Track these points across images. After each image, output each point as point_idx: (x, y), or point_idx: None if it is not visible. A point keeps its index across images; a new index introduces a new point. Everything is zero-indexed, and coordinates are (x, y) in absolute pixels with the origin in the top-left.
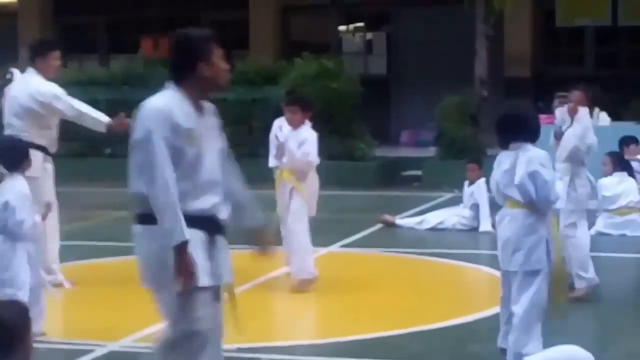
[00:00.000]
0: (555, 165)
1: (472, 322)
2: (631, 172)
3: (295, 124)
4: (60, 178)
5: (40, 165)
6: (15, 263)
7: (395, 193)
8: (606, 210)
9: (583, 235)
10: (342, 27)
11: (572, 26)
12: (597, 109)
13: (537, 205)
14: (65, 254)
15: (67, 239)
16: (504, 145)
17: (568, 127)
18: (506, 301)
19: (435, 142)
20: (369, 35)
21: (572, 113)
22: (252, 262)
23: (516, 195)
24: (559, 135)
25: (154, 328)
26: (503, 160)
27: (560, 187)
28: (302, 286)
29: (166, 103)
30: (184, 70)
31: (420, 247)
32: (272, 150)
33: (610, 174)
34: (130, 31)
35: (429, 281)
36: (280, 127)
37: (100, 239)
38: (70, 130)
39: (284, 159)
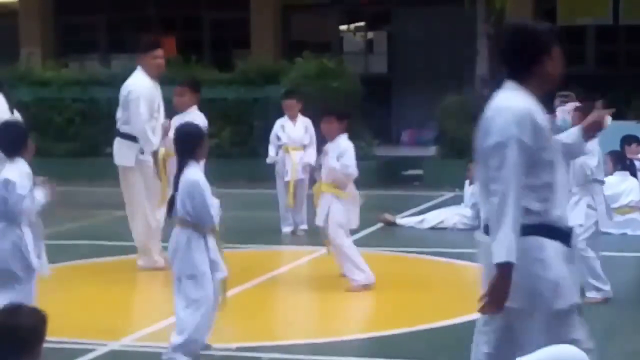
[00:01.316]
0: (572, 188)
1: (473, 322)
2: (633, 171)
3: (332, 135)
4: (61, 177)
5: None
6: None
7: (396, 192)
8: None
9: (591, 251)
10: (343, 27)
11: (573, 25)
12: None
13: None
14: (66, 254)
15: (68, 239)
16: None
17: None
18: None
19: (436, 141)
20: (370, 35)
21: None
22: (252, 262)
23: None
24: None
25: (155, 327)
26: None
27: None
28: (362, 289)
29: (524, 104)
30: (529, 66)
31: (421, 246)
32: (272, 150)
33: (612, 173)
34: (130, 31)
35: (429, 280)
36: (283, 127)
37: (101, 238)
38: (69, 130)
39: (323, 172)
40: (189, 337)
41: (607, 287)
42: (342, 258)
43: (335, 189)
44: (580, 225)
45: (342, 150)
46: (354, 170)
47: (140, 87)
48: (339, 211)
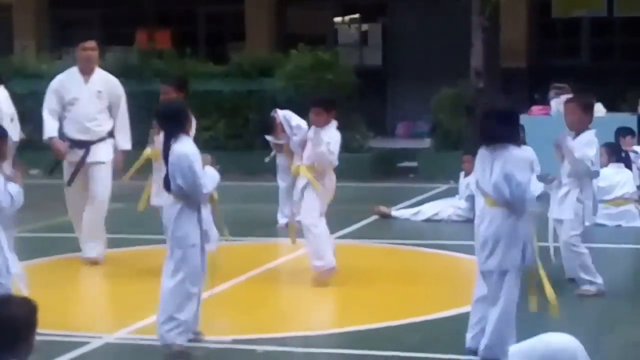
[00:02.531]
0: (563, 179)
1: (468, 314)
2: (628, 164)
3: (321, 124)
4: (56, 171)
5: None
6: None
7: (391, 184)
8: (602, 201)
9: (583, 247)
10: (337, 19)
11: (568, 17)
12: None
13: (513, 206)
14: (60, 246)
15: (63, 231)
16: (485, 142)
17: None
18: (482, 301)
19: (431, 133)
20: (365, 27)
21: (571, 127)
22: (248, 254)
23: (492, 194)
24: (559, 150)
25: (149, 320)
26: (482, 157)
27: (539, 186)
28: (323, 277)
29: None
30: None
31: (416, 238)
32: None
33: (606, 165)
34: (125, 24)
35: (424, 272)
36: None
37: None
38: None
39: (305, 154)
40: (172, 315)
41: (599, 281)
42: (308, 240)
43: (312, 177)
44: (570, 220)
45: (329, 137)
46: (335, 159)
47: (55, 80)
48: (314, 195)
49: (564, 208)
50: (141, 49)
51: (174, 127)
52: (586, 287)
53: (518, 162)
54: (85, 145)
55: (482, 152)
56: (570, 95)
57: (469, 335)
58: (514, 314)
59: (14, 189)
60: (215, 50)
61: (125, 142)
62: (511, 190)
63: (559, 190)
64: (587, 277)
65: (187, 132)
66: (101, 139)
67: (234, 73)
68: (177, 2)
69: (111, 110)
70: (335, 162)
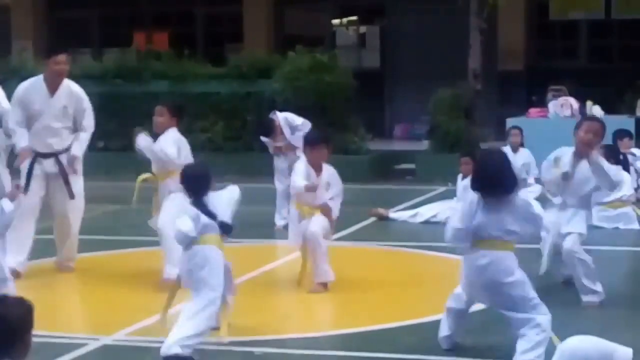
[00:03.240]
0: (567, 200)
1: (466, 315)
2: (626, 166)
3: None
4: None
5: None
6: None
7: (389, 186)
8: (599, 204)
9: (587, 255)
10: (335, 21)
11: (566, 19)
12: (589, 102)
13: (528, 237)
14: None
15: None
16: (488, 193)
17: (573, 168)
18: (460, 312)
19: (429, 135)
20: (363, 29)
21: (584, 151)
22: (245, 256)
23: (505, 236)
24: (567, 177)
25: (147, 322)
26: (488, 204)
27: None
28: (319, 289)
29: None
30: None
31: (414, 240)
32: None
33: None
34: (123, 25)
35: (422, 274)
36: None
37: (93, 232)
38: None
39: (318, 197)
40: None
41: (599, 288)
42: (316, 255)
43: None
44: (580, 235)
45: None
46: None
47: (19, 89)
48: (320, 222)
49: (575, 222)
50: (139, 51)
51: (203, 189)
52: (589, 299)
53: (530, 201)
54: (50, 155)
55: (484, 200)
56: (568, 97)
57: (441, 335)
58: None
59: (8, 207)
60: (213, 52)
61: (78, 149)
62: (535, 227)
63: (563, 212)
64: (590, 286)
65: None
66: (66, 149)
67: (232, 74)
68: (175, 3)
69: (74, 124)
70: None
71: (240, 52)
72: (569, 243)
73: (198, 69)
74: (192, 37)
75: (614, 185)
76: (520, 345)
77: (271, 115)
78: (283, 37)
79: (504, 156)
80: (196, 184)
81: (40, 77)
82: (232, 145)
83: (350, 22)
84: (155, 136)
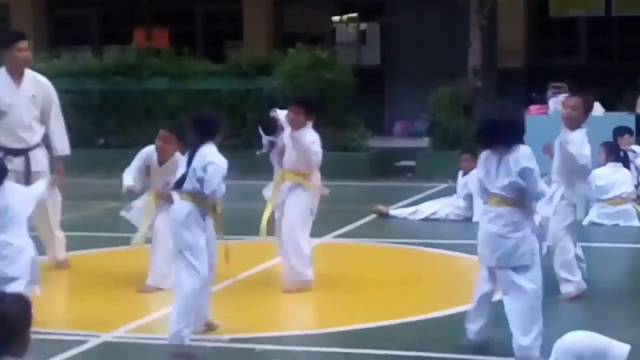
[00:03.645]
0: (552, 176)
1: (466, 313)
2: (626, 163)
3: (296, 125)
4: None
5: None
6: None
7: (389, 183)
8: (599, 200)
9: (569, 239)
10: (335, 18)
11: (566, 17)
12: None
13: (527, 200)
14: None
15: (62, 230)
16: (490, 146)
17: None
18: (485, 297)
19: (429, 132)
20: (363, 26)
21: (568, 121)
22: (246, 253)
23: (503, 192)
24: (549, 149)
25: (148, 319)
26: (488, 159)
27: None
28: (295, 287)
29: None
30: None
31: (414, 237)
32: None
33: (605, 164)
34: (123, 22)
35: (422, 271)
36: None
37: (93, 229)
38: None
39: (286, 159)
40: (183, 318)
41: (577, 278)
42: (288, 249)
43: (300, 178)
44: (556, 216)
45: (311, 138)
46: (320, 157)
47: None
48: (304, 200)
49: (550, 205)
50: (139, 48)
51: (206, 133)
52: (566, 291)
53: (529, 157)
54: (22, 152)
55: (486, 155)
56: (569, 94)
57: (472, 327)
58: (538, 307)
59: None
60: (213, 49)
61: (64, 147)
62: (528, 184)
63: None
64: (565, 276)
65: (216, 142)
66: (37, 145)
67: (232, 72)
68: (175, 0)
69: (42, 115)
70: (320, 161)
71: (240, 50)
72: (552, 228)
73: (198, 66)
74: (191, 35)
75: (573, 164)
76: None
77: (272, 113)
78: (283, 35)
79: (505, 109)
80: (204, 126)
81: (2, 69)
82: (231, 142)
83: (350, 19)
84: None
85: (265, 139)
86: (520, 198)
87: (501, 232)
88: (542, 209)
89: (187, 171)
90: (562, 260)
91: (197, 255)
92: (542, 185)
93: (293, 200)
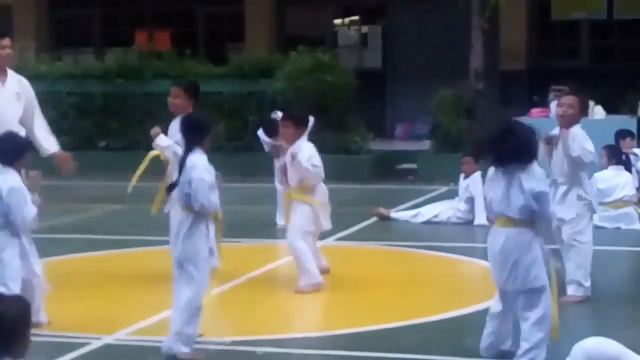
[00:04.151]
0: (558, 178)
1: (468, 315)
2: (628, 166)
3: (289, 140)
4: (55, 171)
5: None
6: (5, 256)
7: (390, 186)
8: (601, 204)
9: (589, 242)
10: (337, 20)
11: (568, 19)
12: (592, 102)
13: (538, 223)
14: (60, 247)
15: (62, 232)
16: (503, 164)
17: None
18: (496, 317)
19: (431, 135)
20: (364, 29)
21: (562, 120)
22: (247, 256)
23: (513, 213)
24: (550, 141)
25: (149, 321)
26: (496, 179)
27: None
28: (307, 290)
29: None
30: None
31: (415, 240)
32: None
33: (606, 167)
34: (124, 25)
35: (424, 274)
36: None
37: (95, 232)
38: (63, 124)
39: (291, 178)
40: (182, 330)
41: (588, 284)
42: (295, 260)
43: (305, 196)
44: (572, 219)
45: (307, 153)
46: (321, 171)
47: None
48: (303, 214)
49: (565, 207)
50: (141, 50)
51: (194, 138)
52: (574, 292)
53: (544, 180)
54: None
55: (494, 174)
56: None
57: (482, 345)
58: (547, 325)
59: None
60: (214, 51)
61: (54, 144)
62: (541, 208)
63: (555, 190)
64: (579, 279)
65: (204, 146)
66: None
67: (233, 74)
68: (176, 2)
69: (26, 113)
70: (321, 174)
71: (241, 52)
72: (566, 234)
73: (199, 68)
74: (193, 37)
75: (579, 164)
76: (522, 346)
77: (273, 115)
78: (284, 37)
79: (519, 127)
80: (190, 131)
81: None
82: (233, 144)
83: (351, 22)
84: (167, 120)
85: (266, 141)
86: (530, 218)
87: (513, 254)
88: (560, 212)
89: (178, 179)
90: (580, 263)
91: (199, 266)
92: (552, 207)
93: (297, 211)
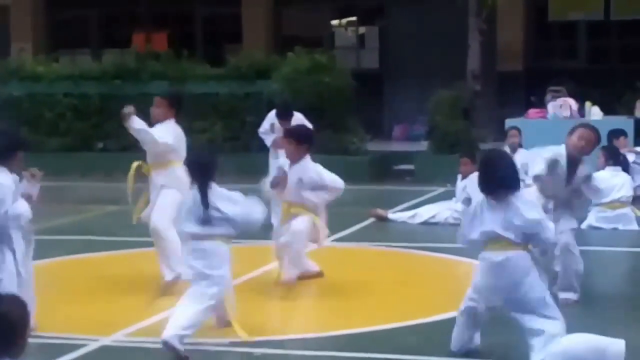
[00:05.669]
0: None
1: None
2: (626, 167)
3: (293, 158)
4: (53, 172)
5: None
6: None
7: (388, 187)
8: (598, 204)
9: (577, 251)
10: (334, 22)
11: (565, 20)
12: (589, 103)
13: (533, 242)
14: (58, 249)
15: (59, 234)
16: (492, 193)
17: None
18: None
19: (428, 136)
20: (362, 30)
21: (579, 152)
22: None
23: (510, 237)
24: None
25: (146, 322)
26: (491, 205)
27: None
28: (289, 284)
29: None
30: None
31: (413, 241)
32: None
33: (603, 168)
34: (122, 26)
35: (421, 275)
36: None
37: (93, 233)
38: (61, 125)
39: (292, 196)
40: (183, 332)
41: (578, 288)
42: (293, 261)
43: (306, 211)
44: (573, 229)
45: (318, 174)
46: (341, 183)
47: None
48: (305, 222)
49: (565, 219)
50: (138, 51)
51: (207, 177)
52: (567, 295)
53: (535, 206)
54: None
55: (489, 201)
56: (567, 98)
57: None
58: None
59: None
60: (212, 53)
61: None
62: (538, 233)
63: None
64: (575, 283)
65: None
66: None
67: (231, 75)
68: (174, 4)
69: None
70: (341, 185)
71: (239, 53)
72: (564, 237)
73: (197, 69)
74: (191, 38)
75: (599, 196)
76: (531, 357)
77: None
78: (282, 38)
79: (505, 155)
80: (202, 173)
81: None
82: (230, 145)
83: (349, 23)
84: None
85: (268, 135)
86: (527, 242)
87: (513, 279)
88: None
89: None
90: (578, 270)
91: (213, 284)
92: (550, 231)
93: (298, 219)
